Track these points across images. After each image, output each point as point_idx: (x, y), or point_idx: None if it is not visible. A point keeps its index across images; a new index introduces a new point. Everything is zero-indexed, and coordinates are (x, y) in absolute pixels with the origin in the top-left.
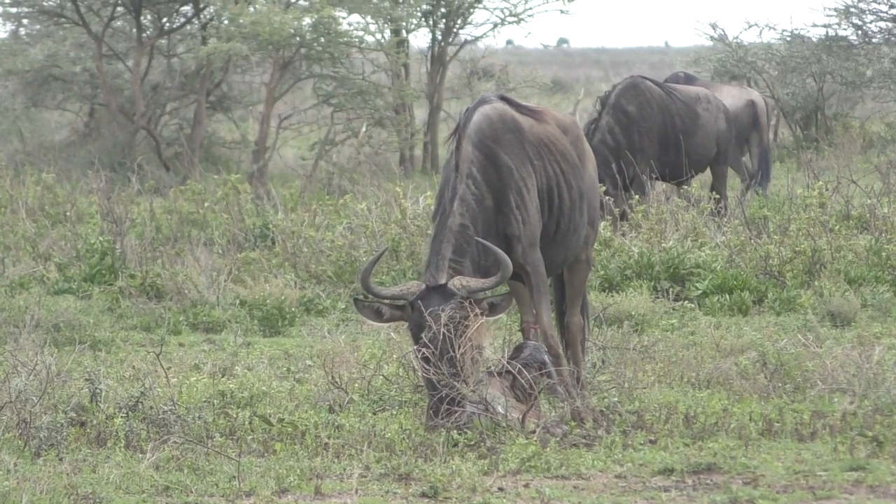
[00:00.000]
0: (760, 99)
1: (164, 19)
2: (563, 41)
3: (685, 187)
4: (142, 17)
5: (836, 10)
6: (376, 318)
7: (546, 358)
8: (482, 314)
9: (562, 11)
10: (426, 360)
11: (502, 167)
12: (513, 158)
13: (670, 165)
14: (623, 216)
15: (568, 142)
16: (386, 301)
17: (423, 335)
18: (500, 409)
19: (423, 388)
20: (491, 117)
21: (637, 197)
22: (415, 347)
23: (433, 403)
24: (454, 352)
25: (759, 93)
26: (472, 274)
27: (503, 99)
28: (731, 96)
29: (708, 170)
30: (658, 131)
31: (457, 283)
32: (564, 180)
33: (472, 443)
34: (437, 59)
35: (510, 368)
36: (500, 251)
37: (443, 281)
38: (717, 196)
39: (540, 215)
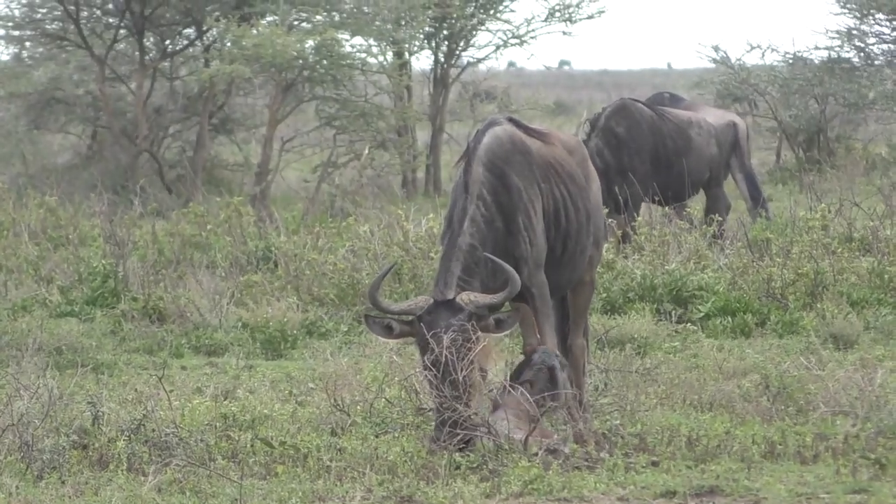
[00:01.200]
0: (742, 121)
1: (167, 42)
2: (564, 63)
3: (687, 210)
4: (144, 40)
5: (838, 32)
6: (386, 335)
7: (556, 363)
8: (489, 330)
9: (564, 33)
10: (433, 378)
11: (512, 189)
12: (522, 180)
13: (663, 187)
14: (625, 238)
15: (574, 163)
16: (394, 316)
17: (427, 355)
18: (517, 435)
19: (425, 410)
20: (501, 139)
21: (640, 219)
22: (421, 365)
23: (438, 424)
24: (456, 373)
25: (741, 116)
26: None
27: (511, 121)
28: (714, 117)
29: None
30: (649, 153)
31: (465, 297)
32: (571, 202)
33: (475, 465)
34: (440, 81)
35: (523, 390)
36: (508, 266)
37: (451, 296)
38: (720, 219)
39: (546, 238)
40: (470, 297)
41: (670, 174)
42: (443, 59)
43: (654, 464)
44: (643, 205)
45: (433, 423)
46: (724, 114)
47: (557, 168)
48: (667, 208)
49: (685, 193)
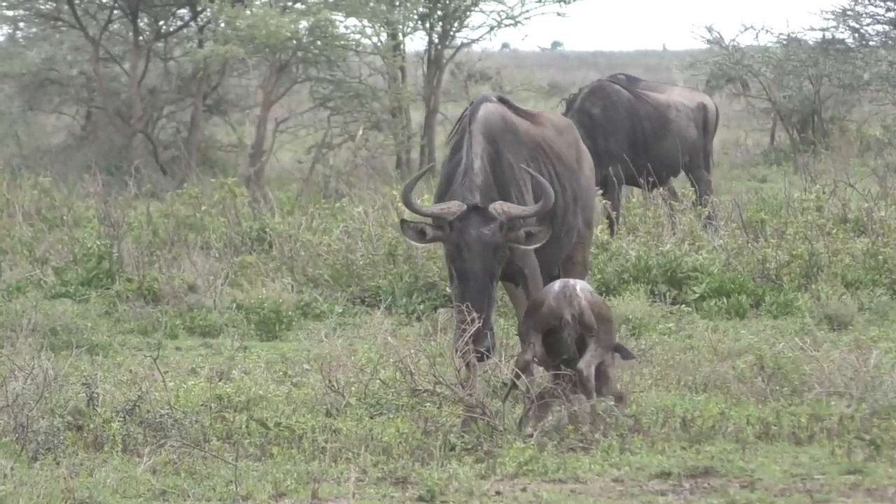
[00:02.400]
0: (711, 103)
1: (161, 22)
2: (556, 44)
3: (681, 192)
4: (138, 21)
5: (832, 12)
6: (419, 239)
7: None
8: (520, 242)
9: (558, 14)
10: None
11: (504, 164)
12: (513, 157)
13: (642, 169)
14: (617, 217)
15: (564, 144)
16: (427, 219)
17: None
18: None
19: (420, 392)
20: (494, 114)
21: (633, 200)
22: (448, 274)
23: (460, 331)
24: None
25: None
26: None
27: (501, 100)
28: (682, 97)
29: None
30: (626, 134)
31: (497, 207)
32: (558, 183)
33: (470, 447)
34: (434, 62)
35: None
36: (543, 180)
37: (477, 201)
38: (715, 199)
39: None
40: (503, 208)
41: (648, 157)
42: (437, 40)
43: (649, 444)
44: (624, 188)
45: (457, 334)
46: (693, 95)
47: (546, 148)
48: (661, 188)
49: (664, 176)
